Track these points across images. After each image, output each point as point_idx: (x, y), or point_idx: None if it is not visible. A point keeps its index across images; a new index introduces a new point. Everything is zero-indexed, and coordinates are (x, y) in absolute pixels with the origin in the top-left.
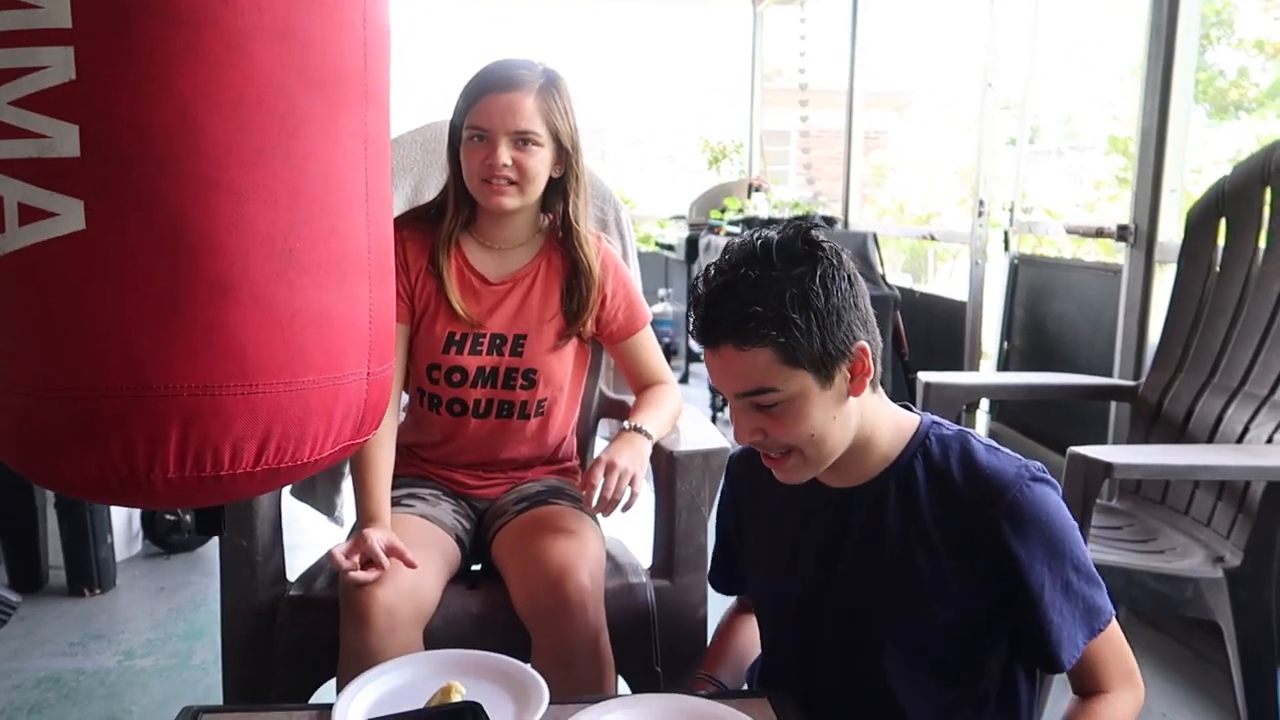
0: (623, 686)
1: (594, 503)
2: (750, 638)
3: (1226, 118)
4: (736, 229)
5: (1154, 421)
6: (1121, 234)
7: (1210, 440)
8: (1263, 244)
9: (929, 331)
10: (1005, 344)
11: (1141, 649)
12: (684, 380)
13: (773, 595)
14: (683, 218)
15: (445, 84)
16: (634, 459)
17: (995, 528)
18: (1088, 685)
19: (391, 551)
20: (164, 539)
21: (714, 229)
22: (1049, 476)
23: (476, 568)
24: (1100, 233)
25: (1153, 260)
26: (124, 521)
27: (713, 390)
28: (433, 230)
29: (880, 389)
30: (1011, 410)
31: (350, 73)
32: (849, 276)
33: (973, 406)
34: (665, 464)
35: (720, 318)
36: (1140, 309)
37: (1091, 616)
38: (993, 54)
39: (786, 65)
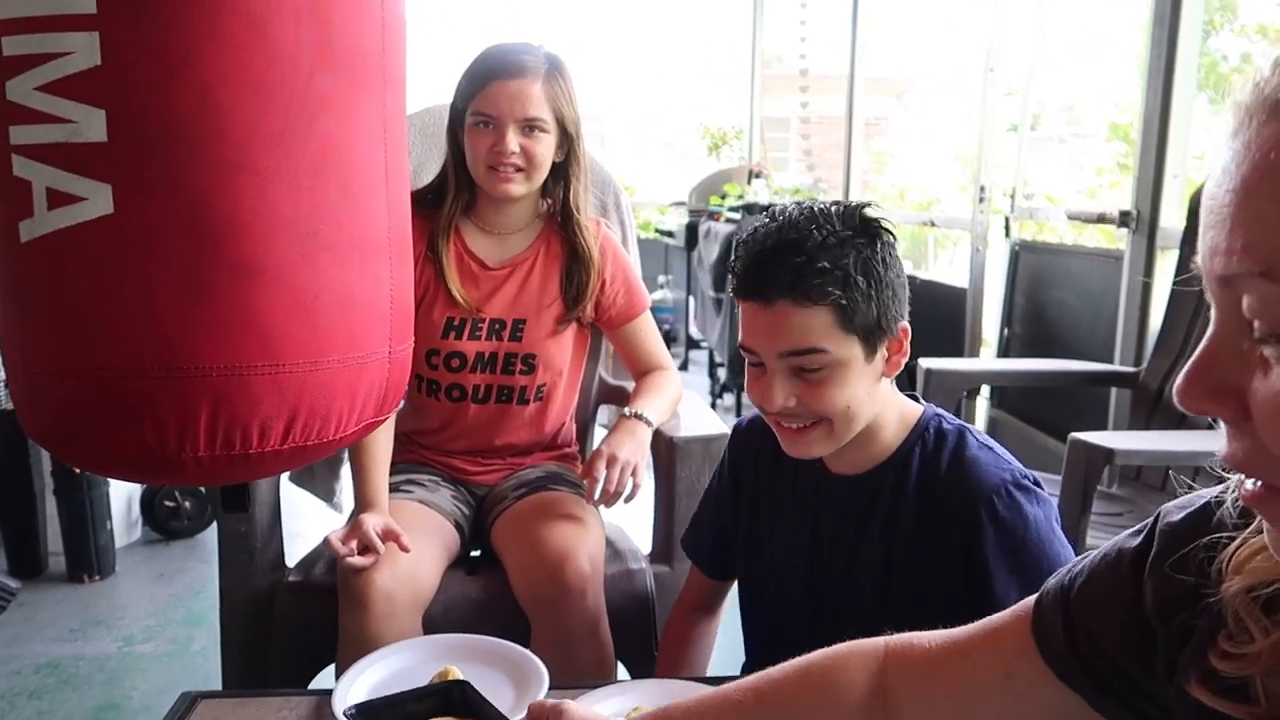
0: (622, 672)
1: (596, 496)
2: (705, 649)
3: None
4: (736, 215)
5: (1155, 408)
6: (1123, 220)
7: (1211, 427)
8: None
9: (929, 318)
10: (1006, 330)
11: None
12: (684, 367)
13: (766, 577)
14: (683, 204)
15: (443, 68)
16: (635, 449)
17: (968, 528)
18: None
19: (388, 535)
20: (163, 525)
21: (714, 215)
22: (1037, 487)
23: (476, 554)
24: (1102, 218)
25: (1154, 246)
26: (123, 508)
27: (712, 377)
28: (431, 215)
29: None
30: (1012, 397)
31: (369, 54)
32: (899, 258)
33: (973, 393)
34: (665, 450)
35: (778, 273)
36: (1142, 295)
37: None
38: (995, 38)
39: (787, 51)
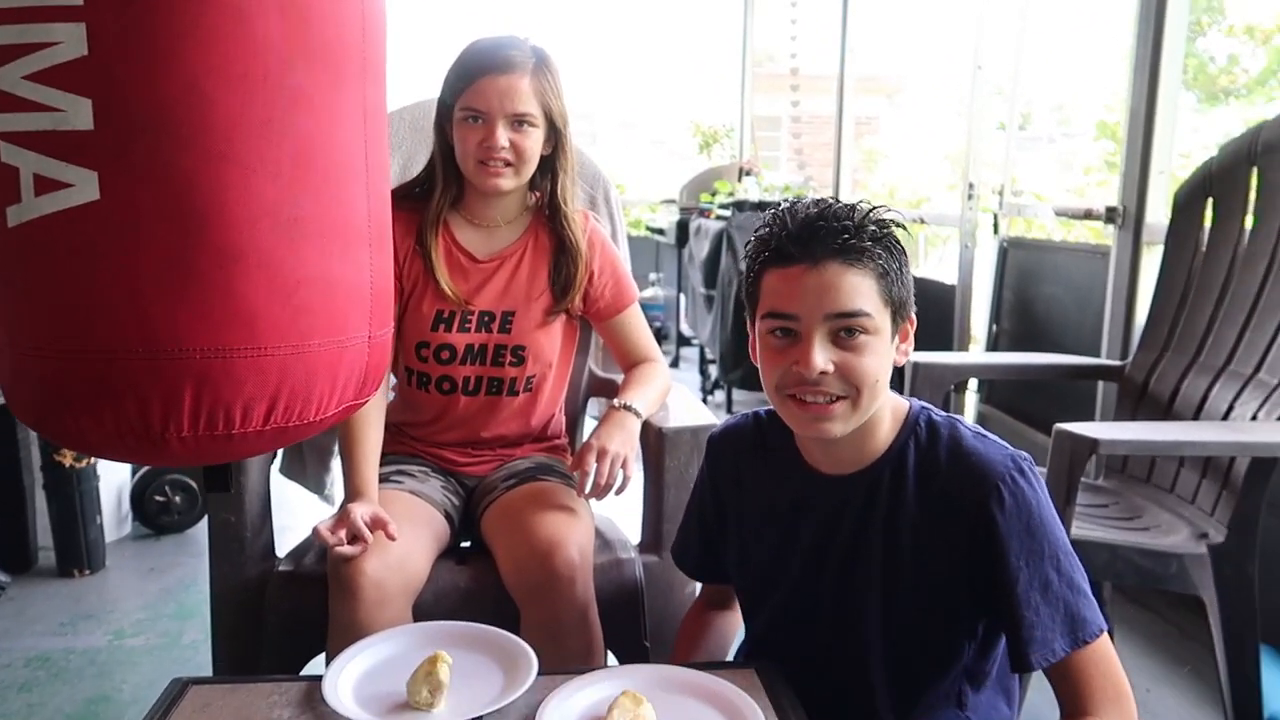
0: (611, 661)
1: (587, 489)
2: (719, 640)
3: (1217, 104)
4: (727, 212)
5: (1140, 401)
6: (1109, 216)
7: (1195, 419)
8: (1249, 224)
9: (918, 315)
10: (994, 327)
11: (1126, 625)
12: (675, 364)
13: (762, 581)
14: (673, 202)
15: (432, 62)
16: (624, 441)
17: (979, 514)
18: (1073, 704)
19: (376, 524)
20: (153, 520)
21: (704, 212)
22: (1034, 469)
23: (465, 545)
24: (1089, 214)
25: (1140, 241)
26: (113, 503)
27: (703, 374)
28: (419, 208)
29: None
30: (1000, 392)
31: (349, 46)
32: None
33: (961, 387)
34: (654, 441)
35: (827, 235)
36: (1128, 290)
37: (1075, 625)
38: (982, 35)
39: (778, 50)
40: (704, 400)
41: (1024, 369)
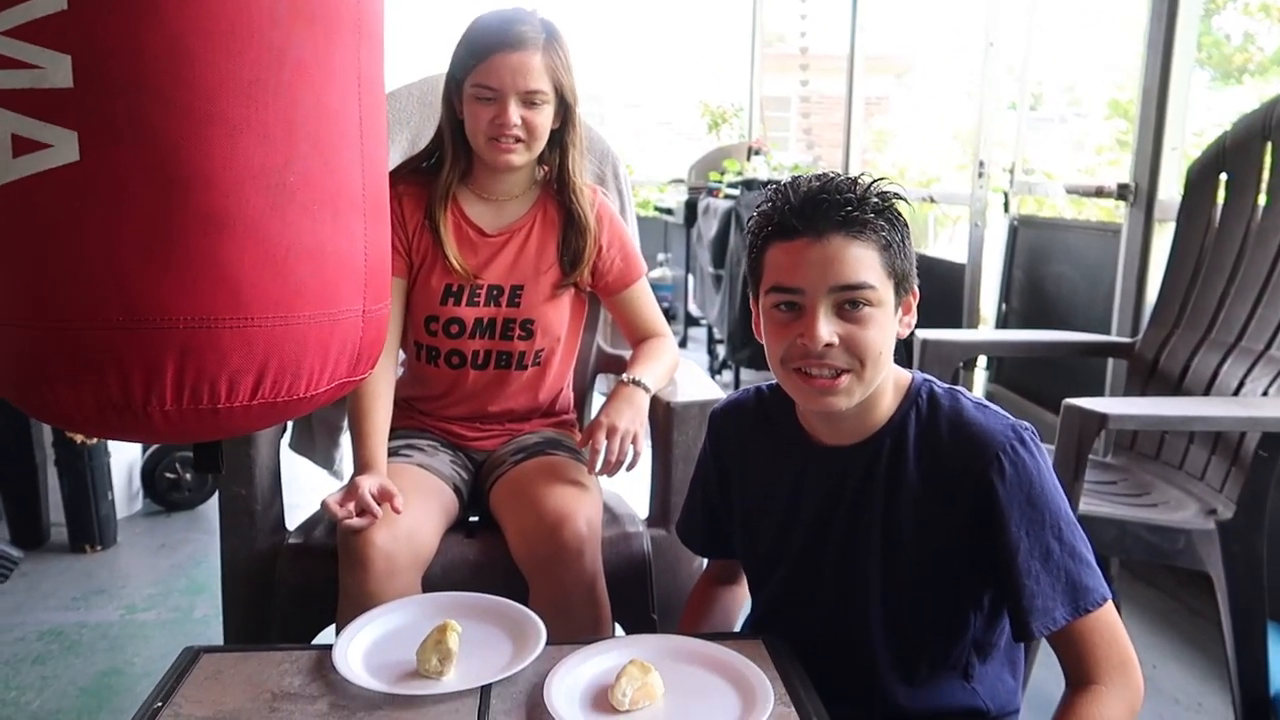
0: (619, 634)
1: (598, 467)
2: (725, 615)
3: (1231, 82)
4: (735, 191)
5: (1150, 377)
6: (1121, 193)
7: (1206, 395)
8: (1262, 200)
9: (928, 294)
10: (1004, 306)
11: (1133, 602)
12: (683, 344)
13: (766, 554)
14: (681, 181)
15: (440, 36)
16: (633, 417)
17: (979, 484)
18: (1077, 672)
19: (383, 496)
20: (164, 497)
21: (713, 191)
22: (1036, 439)
23: (474, 519)
24: (1100, 192)
25: (1152, 218)
26: (124, 479)
27: (711, 354)
28: (428, 183)
29: None
30: (1009, 371)
31: (344, 7)
32: None
33: (970, 365)
34: (663, 415)
35: (830, 208)
36: (1139, 267)
37: (1077, 593)
38: (994, 11)
39: (787, 30)
40: (712, 378)
41: (1033, 345)
